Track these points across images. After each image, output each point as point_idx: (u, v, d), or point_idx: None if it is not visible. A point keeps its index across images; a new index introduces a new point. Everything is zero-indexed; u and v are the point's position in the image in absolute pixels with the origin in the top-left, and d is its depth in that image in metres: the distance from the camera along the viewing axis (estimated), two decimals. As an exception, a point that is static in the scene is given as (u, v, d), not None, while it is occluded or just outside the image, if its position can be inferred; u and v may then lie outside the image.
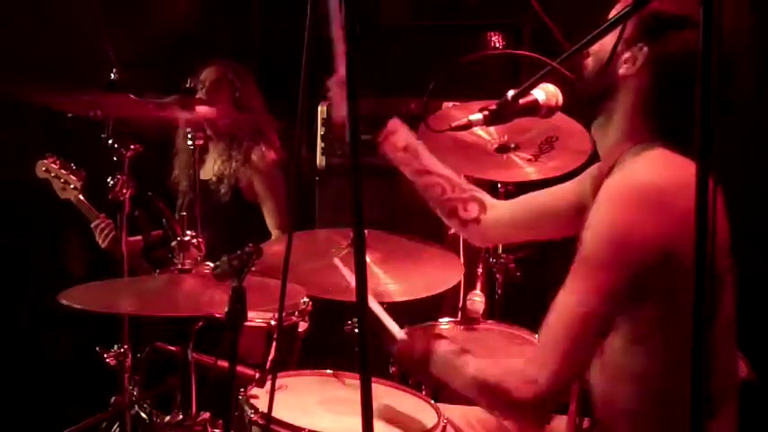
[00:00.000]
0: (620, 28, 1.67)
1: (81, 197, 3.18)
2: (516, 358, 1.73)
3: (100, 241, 3.20)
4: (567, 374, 1.64)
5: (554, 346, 1.63)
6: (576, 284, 1.64)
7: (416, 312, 2.71)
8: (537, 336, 1.73)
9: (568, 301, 1.64)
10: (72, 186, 3.17)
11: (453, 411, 2.18)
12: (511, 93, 1.76)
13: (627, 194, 1.65)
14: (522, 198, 2.20)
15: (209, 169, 3.58)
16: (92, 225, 3.21)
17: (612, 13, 1.75)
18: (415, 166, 2.22)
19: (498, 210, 2.22)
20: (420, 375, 2.17)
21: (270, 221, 3.53)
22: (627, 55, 1.72)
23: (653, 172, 1.67)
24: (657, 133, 1.74)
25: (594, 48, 1.75)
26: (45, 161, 3.19)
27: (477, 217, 2.20)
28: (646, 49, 1.71)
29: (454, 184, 2.22)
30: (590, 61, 1.80)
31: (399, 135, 2.21)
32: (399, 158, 2.22)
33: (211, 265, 2.07)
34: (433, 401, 2.23)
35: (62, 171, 3.18)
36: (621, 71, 1.74)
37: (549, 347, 1.64)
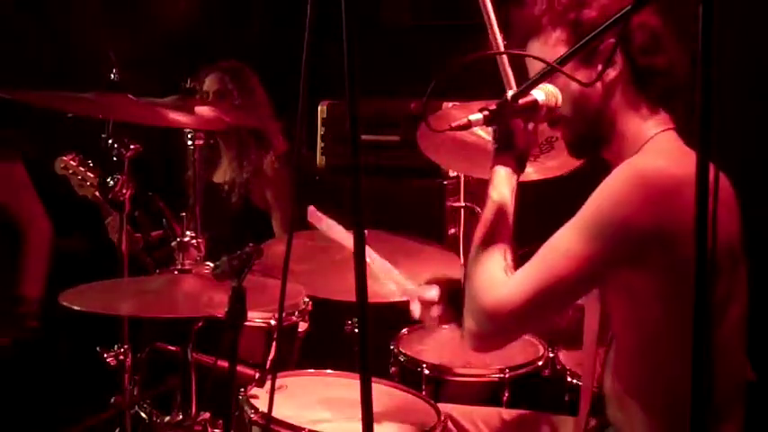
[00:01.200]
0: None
1: (97, 194, 3.20)
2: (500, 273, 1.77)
3: (113, 237, 3.22)
4: (533, 312, 1.70)
5: (532, 281, 1.69)
6: (564, 240, 1.68)
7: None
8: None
9: (554, 250, 1.69)
10: (89, 183, 3.19)
11: (455, 411, 2.18)
12: (510, 93, 1.76)
13: (633, 176, 1.66)
14: None
15: (222, 173, 3.60)
16: (105, 221, 3.24)
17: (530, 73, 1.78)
18: None
19: None
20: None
21: (277, 229, 3.55)
22: (599, 64, 1.72)
23: (660, 160, 1.69)
24: (657, 111, 1.77)
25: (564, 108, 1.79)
26: (65, 158, 3.20)
27: None
28: (611, 40, 1.71)
29: None
30: (567, 116, 1.81)
31: None
32: None
33: (211, 265, 2.07)
34: (432, 401, 2.23)
35: (80, 168, 3.20)
36: (609, 77, 1.75)
37: (527, 280, 1.70)
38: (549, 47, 1.79)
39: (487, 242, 1.80)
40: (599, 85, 1.75)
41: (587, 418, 1.94)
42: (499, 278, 1.74)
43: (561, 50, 1.72)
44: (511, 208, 1.84)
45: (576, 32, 1.75)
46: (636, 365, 1.75)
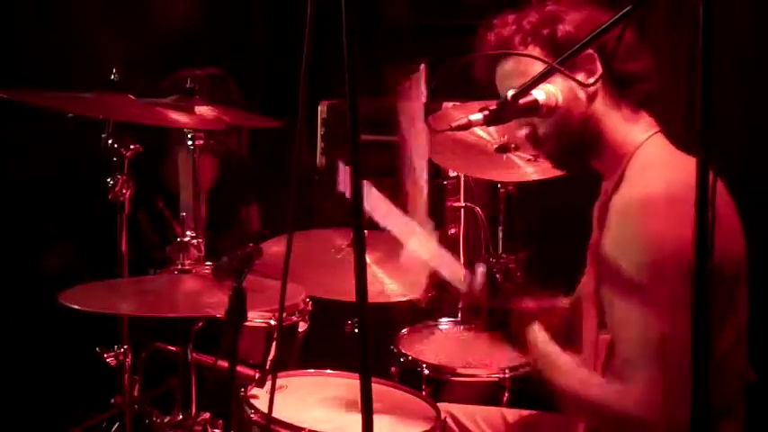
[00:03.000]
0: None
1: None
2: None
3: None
4: (673, 391, 1.58)
5: (643, 360, 1.62)
6: (635, 313, 1.63)
7: (416, 312, 2.72)
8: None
9: (639, 333, 1.63)
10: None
11: (455, 410, 2.18)
12: (511, 93, 1.76)
13: (640, 208, 1.65)
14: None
15: None
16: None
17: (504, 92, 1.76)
18: None
19: None
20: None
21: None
22: (579, 76, 1.73)
23: (661, 179, 1.67)
24: (639, 110, 1.78)
25: (538, 121, 1.80)
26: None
27: None
28: (591, 52, 1.73)
29: None
30: (541, 132, 1.82)
31: None
32: None
33: (211, 265, 2.07)
34: (432, 401, 2.23)
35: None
36: (590, 89, 1.75)
37: (640, 362, 1.62)
38: (522, 65, 1.81)
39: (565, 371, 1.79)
40: (581, 94, 1.77)
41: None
42: (609, 387, 1.70)
43: (537, 68, 1.71)
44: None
45: (552, 48, 1.77)
46: None
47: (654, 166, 1.73)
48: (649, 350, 1.61)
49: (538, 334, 1.83)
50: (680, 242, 1.53)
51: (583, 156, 1.84)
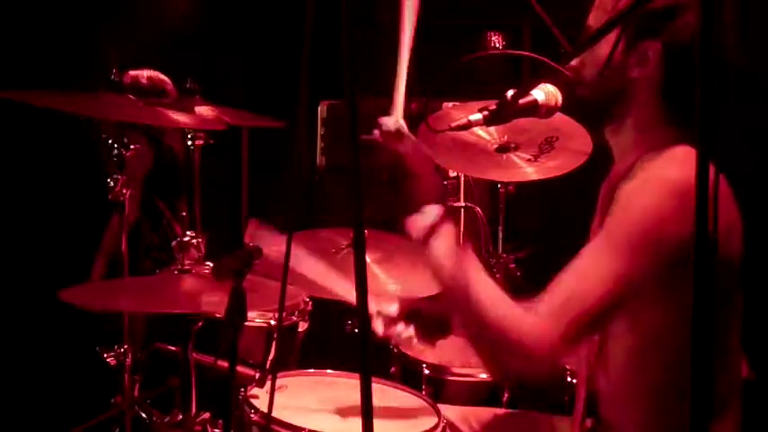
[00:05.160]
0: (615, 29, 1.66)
1: None
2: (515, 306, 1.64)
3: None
4: (574, 338, 1.60)
5: (567, 308, 1.59)
6: (597, 260, 1.61)
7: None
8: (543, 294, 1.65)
9: (586, 274, 1.61)
10: None
11: (453, 412, 2.18)
12: (510, 93, 1.76)
13: (659, 187, 1.62)
14: None
15: None
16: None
17: (591, 20, 1.75)
18: None
19: None
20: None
21: None
22: (632, 57, 1.70)
23: (683, 169, 1.62)
24: (676, 125, 1.72)
25: (589, 55, 1.74)
26: None
27: None
28: (656, 45, 1.69)
29: None
30: (586, 70, 1.77)
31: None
32: None
33: (211, 265, 2.07)
34: (432, 401, 2.23)
35: None
36: (634, 74, 1.71)
37: (562, 309, 1.59)
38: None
39: (478, 289, 1.67)
40: (630, 73, 1.71)
41: (583, 418, 1.94)
42: (521, 312, 1.63)
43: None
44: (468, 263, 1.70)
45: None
46: (633, 366, 1.75)
47: (671, 162, 1.68)
48: (575, 302, 1.58)
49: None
50: (668, 227, 1.55)
51: (603, 118, 1.79)
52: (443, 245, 1.69)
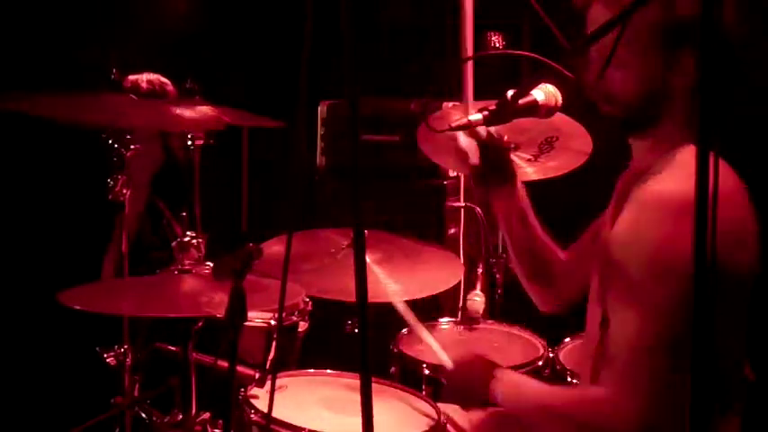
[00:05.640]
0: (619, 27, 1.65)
1: None
2: (586, 387, 1.73)
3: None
4: (659, 405, 1.58)
5: (634, 382, 1.59)
6: (631, 313, 1.62)
7: (416, 312, 2.71)
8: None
9: (629, 335, 1.61)
10: None
11: (454, 411, 2.18)
12: (510, 93, 1.76)
13: (660, 207, 1.62)
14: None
15: None
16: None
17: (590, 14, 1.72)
18: None
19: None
20: (474, 404, 2.07)
21: None
22: (672, 66, 1.67)
23: (685, 180, 1.64)
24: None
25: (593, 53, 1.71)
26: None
27: None
28: (693, 51, 1.65)
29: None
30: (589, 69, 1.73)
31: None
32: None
33: (211, 265, 2.07)
34: (432, 401, 2.23)
35: None
36: (675, 83, 1.69)
37: (630, 382, 1.59)
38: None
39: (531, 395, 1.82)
40: (671, 82, 1.69)
41: None
42: (595, 397, 1.67)
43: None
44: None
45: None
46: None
47: (684, 162, 1.67)
48: (636, 357, 1.59)
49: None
50: (680, 246, 1.51)
51: (635, 127, 1.76)
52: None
